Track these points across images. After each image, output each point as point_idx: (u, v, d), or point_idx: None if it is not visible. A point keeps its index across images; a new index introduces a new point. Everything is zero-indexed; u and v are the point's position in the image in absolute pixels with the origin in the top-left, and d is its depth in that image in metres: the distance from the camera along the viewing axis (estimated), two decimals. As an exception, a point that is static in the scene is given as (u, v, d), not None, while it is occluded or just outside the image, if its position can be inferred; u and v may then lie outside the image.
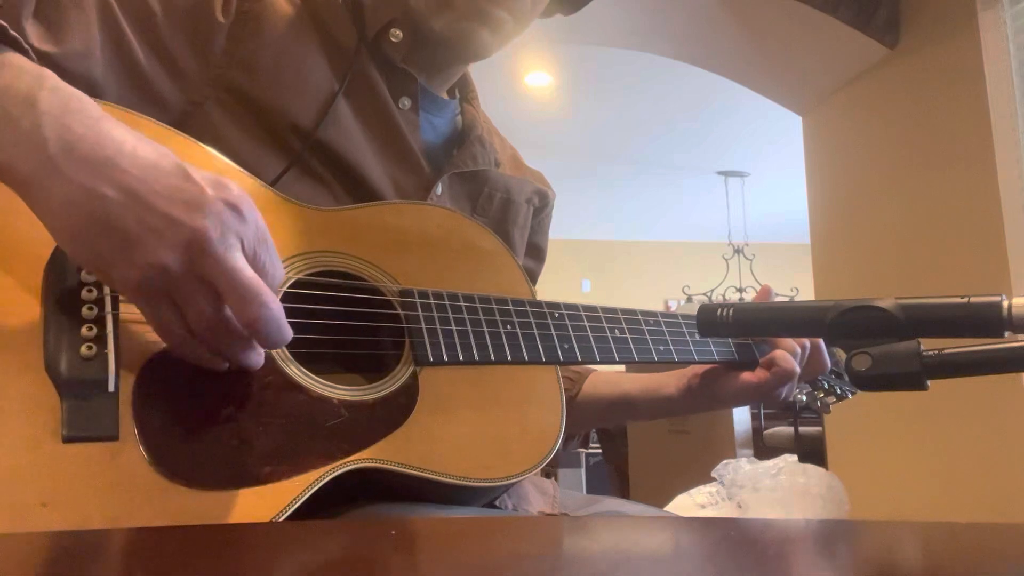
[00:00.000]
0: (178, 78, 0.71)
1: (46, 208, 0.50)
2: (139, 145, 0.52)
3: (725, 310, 0.55)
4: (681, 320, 0.88)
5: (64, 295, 0.57)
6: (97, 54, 0.66)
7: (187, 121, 0.71)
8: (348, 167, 0.77)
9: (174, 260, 0.50)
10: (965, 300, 0.47)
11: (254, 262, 0.53)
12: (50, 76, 0.52)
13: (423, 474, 0.62)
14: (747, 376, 0.89)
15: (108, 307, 0.57)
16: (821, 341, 0.92)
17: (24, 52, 0.53)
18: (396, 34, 0.81)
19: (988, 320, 0.46)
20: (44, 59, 0.62)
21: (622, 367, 2.38)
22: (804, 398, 0.98)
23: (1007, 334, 0.46)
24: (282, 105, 0.74)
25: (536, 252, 1.01)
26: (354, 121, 0.78)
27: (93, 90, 0.66)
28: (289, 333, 0.55)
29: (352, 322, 0.68)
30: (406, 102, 0.83)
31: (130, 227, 0.49)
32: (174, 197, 0.50)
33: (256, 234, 0.53)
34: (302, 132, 0.75)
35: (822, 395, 0.98)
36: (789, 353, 0.88)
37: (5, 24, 0.52)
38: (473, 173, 0.88)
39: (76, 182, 0.49)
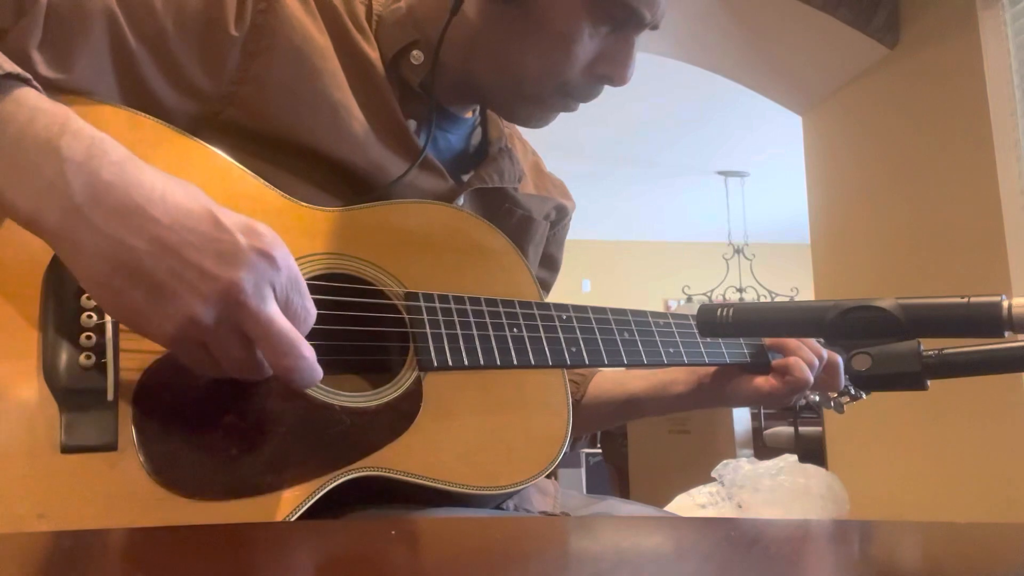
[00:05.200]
0: (190, 96, 0.69)
1: (75, 258, 0.49)
2: (168, 189, 0.50)
3: (725, 310, 0.55)
4: (692, 321, 0.87)
5: (63, 302, 0.56)
6: (106, 78, 0.65)
7: (198, 136, 0.69)
8: (373, 185, 0.76)
9: (208, 312, 0.49)
10: (965, 300, 0.47)
11: (287, 308, 0.53)
12: (69, 116, 0.51)
13: (426, 482, 0.62)
14: (759, 381, 0.90)
15: (108, 315, 0.56)
16: (840, 360, 0.92)
17: (36, 88, 0.52)
18: (417, 56, 0.79)
19: (988, 320, 0.46)
20: (52, 86, 0.60)
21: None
22: (817, 397, 0.98)
23: (1007, 334, 0.46)
24: (298, 123, 0.72)
25: (550, 263, 1.00)
26: (377, 143, 0.76)
27: None
28: (319, 375, 0.54)
29: (356, 327, 0.67)
30: (411, 124, 0.80)
31: (162, 279, 0.48)
32: (207, 248, 0.49)
33: (288, 280, 0.53)
34: (334, 163, 0.73)
35: (836, 395, 0.98)
36: (806, 363, 0.89)
37: (17, 68, 0.51)
38: (494, 189, 0.86)
39: (105, 233, 0.48)
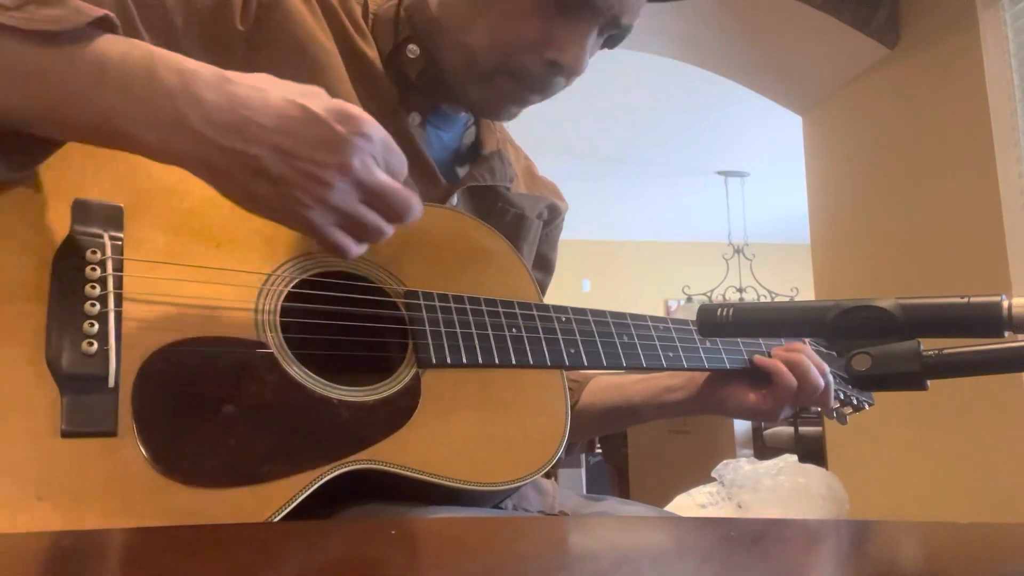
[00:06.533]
0: None
1: (210, 175, 0.56)
2: (265, 97, 0.57)
3: (725, 310, 0.55)
4: (692, 326, 0.86)
5: (68, 290, 0.57)
6: None
7: None
8: None
9: (331, 192, 0.58)
10: (965, 300, 0.47)
11: (387, 168, 0.61)
12: (153, 51, 0.56)
13: (422, 476, 0.62)
14: (753, 396, 0.89)
15: (111, 304, 0.57)
16: (828, 383, 0.90)
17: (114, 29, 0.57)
18: (413, 50, 0.80)
19: (988, 320, 0.46)
20: None
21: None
22: (820, 408, 0.97)
23: (1007, 334, 0.46)
24: None
25: (544, 263, 1.00)
26: None
27: None
28: (421, 208, 0.64)
29: (356, 323, 0.68)
30: (416, 118, 0.82)
31: (288, 175, 0.56)
32: (314, 142, 0.57)
33: (383, 147, 0.61)
34: None
35: (838, 406, 0.97)
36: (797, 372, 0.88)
37: (101, 11, 0.55)
38: (487, 188, 0.87)
39: (228, 148, 0.55)
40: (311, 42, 0.75)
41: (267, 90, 0.58)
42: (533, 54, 0.75)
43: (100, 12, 0.55)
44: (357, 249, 0.62)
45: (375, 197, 0.60)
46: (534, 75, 0.77)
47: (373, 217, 0.61)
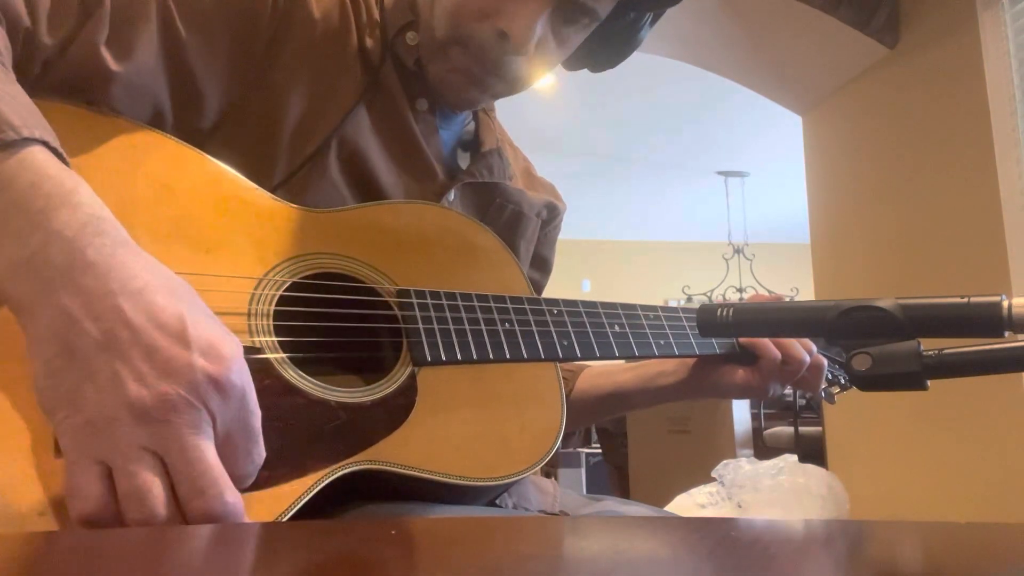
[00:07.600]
0: (225, 83, 0.72)
1: (31, 334, 0.46)
2: (151, 285, 0.47)
3: (725, 310, 0.55)
4: (681, 314, 0.88)
5: None
6: (159, 72, 0.68)
7: (219, 126, 0.72)
8: (361, 171, 0.77)
9: (128, 420, 0.44)
10: (965, 300, 0.47)
11: (224, 445, 0.47)
12: (76, 189, 0.49)
13: (423, 474, 0.62)
14: (739, 372, 0.91)
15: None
16: (824, 362, 0.92)
17: (55, 150, 0.51)
18: (412, 37, 0.81)
19: (988, 320, 0.46)
20: (116, 80, 0.64)
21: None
22: (810, 391, 0.98)
23: (1007, 334, 0.46)
24: (307, 105, 0.75)
25: (542, 264, 1.01)
26: (369, 124, 0.79)
27: (154, 101, 0.68)
28: (235, 511, 0.47)
29: (349, 324, 0.68)
30: (423, 103, 0.83)
31: (97, 371, 0.45)
32: (157, 356, 0.45)
33: (237, 416, 0.47)
34: (323, 130, 0.76)
35: (826, 386, 0.99)
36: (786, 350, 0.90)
37: (36, 133, 0.50)
38: (485, 184, 0.88)
39: (64, 309, 0.45)
40: (329, 33, 0.77)
41: (164, 283, 0.48)
42: (483, 22, 0.75)
43: (18, 135, 0.48)
44: (87, 510, 0.44)
45: (177, 462, 0.45)
46: (484, 46, 0.76)
47: (148, 483, 0.44)
